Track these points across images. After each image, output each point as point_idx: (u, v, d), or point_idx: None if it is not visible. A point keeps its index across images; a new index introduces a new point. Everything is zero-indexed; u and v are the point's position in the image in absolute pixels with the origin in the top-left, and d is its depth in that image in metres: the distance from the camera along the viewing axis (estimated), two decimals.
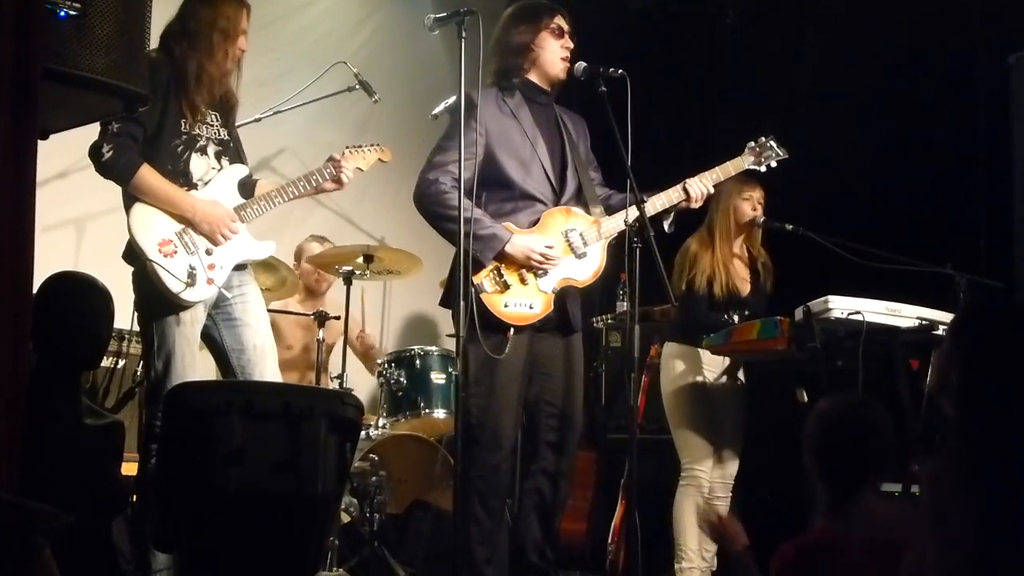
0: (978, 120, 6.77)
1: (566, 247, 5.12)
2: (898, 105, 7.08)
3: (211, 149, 5.07)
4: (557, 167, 5.23)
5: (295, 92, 6.92)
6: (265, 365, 5.05)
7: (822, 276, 5.83)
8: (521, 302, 5.01)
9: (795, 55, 7.86)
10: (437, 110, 5.98)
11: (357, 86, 6.84)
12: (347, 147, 5.42)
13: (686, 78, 8.44)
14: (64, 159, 6.27)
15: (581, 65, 5.11)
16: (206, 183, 5.03)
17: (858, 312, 5.22)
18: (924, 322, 5.32)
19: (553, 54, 5.20)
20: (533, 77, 5.27)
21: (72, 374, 4.27)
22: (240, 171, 5.16)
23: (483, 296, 4.90)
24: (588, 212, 5.24)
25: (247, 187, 5.22)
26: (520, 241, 5.00)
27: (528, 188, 5.13)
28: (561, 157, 5.26)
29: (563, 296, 5.14)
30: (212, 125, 5.08)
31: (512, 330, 4.96)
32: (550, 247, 5.04)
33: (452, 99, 5.49)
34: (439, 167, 5.04)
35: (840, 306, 5.24)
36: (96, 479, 4.15)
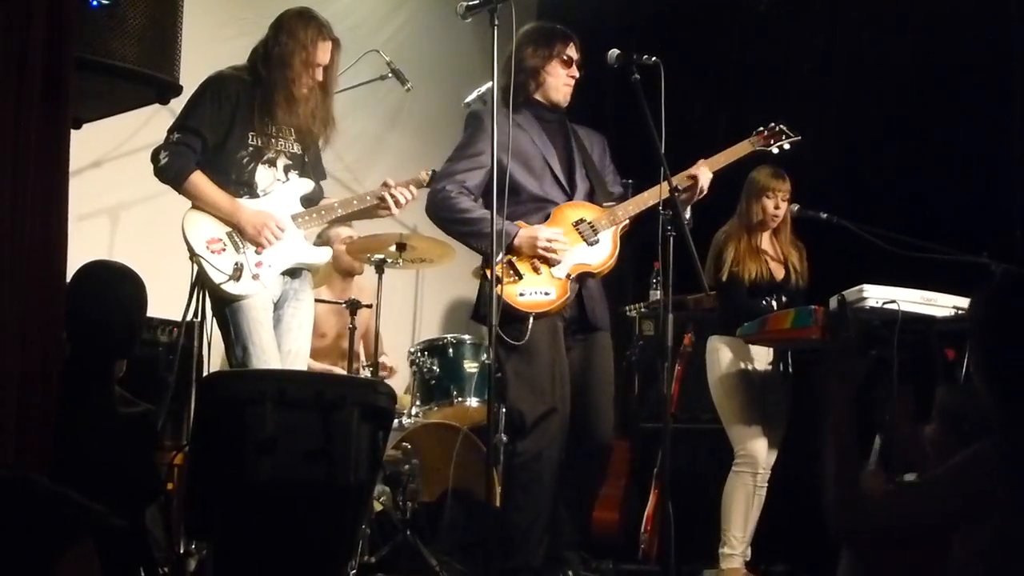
0: (1014, 107, 6.71)
1: (576, 236, 5.25)
2: (934, 91, 7.03)
3: (281, 162, 5.32)
4: (567, 172, 5.38)
5: None
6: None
7: (857, 265, 5.80)
8: (536, 290, 5.12)
9: (829, 41, 7.81)
10: (470, 98, 6.01)
11: (390, 74, 6.86)
12: (423, 170, 5.57)
13: (718, 64, 8.40)
14: (98, 148, 6.29)
15: (614, 52, 5.20)
16: (267, 194, 5.27)
17: (893, 301, 5.19)
18: (960, 311, 5.28)
19: (557, 81, 5.41)
20: (539, 97, 5.43)
21: (105, 362, 4.27)
22: (305, 185, 5.39)
23: (498, 288, 4.89)
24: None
25: (313, 202, 5.43)
26: (526, 233, 5.15)
27: (539, 192, 5.30)
28: (570, 163, 5.41)
29: (583, 293, 5.26)
30: (287, 139, 5.31)
31: (532, 317, 5.05)
32: (557, 234, 5.15)
33: (485, 87, 5.59)
34: (446, 177, 5.24)
35: (875, 295, 5.21)
36: (129, 466, 4.16)
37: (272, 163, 5.28)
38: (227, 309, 5.12)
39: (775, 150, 5.70)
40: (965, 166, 6.80)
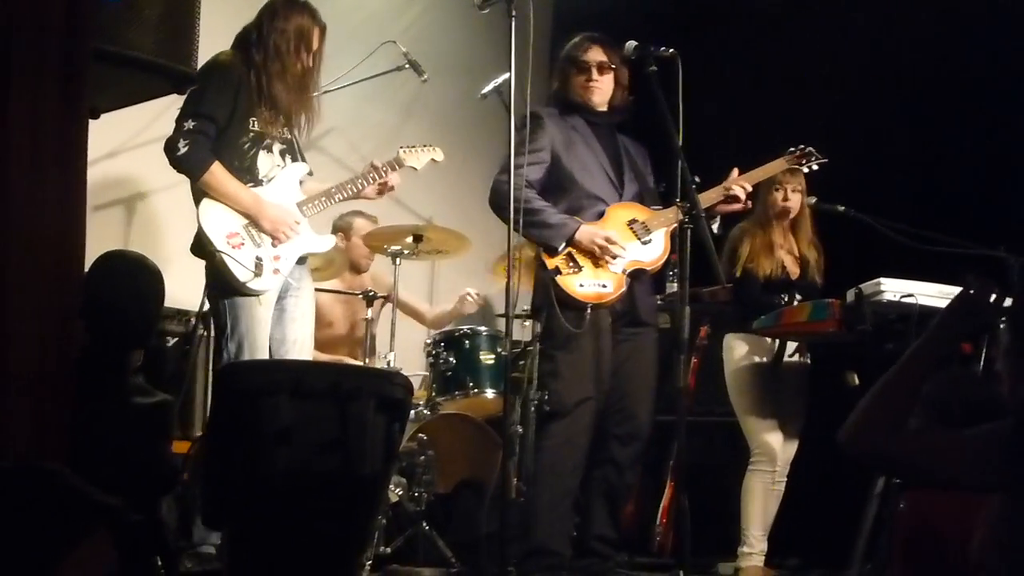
0: None
1: (631, 235, 5.42)
2: (952, 84, 7.00)
3: (276, 147, 5.32)
4: (616, 170, 5.55)
5: (344, 71, 6.91)
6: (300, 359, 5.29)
7: (874, 258, 5.79)
8: (595, 282, 5.32)
9: (844, 33, 7.77)
10: (486, 89, 6.01)
11: (406, 65, 6.85)
12: (401, 147, 5.68)
13: (734, 56, 8.36)
14: (114, 139, 6.30)
15: (631, 44, 5.36)
16: (270, 180, 5.26)
17: (910, 295, 5.19)
18: None
19: (577, 87, 5.59)
20: (577, 103, 5.59)
21: (122, 353, 4.28)
22: (302, 169, 5.42)
23: (559, 279, 5.27)
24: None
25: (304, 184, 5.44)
26: (588, 229, 5.32)
27: (592, 189, 5.47)
28: (619, 165, 5.58)
29: (634, 289, 5.43)
30: (279, 124, 5.31)
31: (590, 307, 5.25)
32: (615, 240, 5.32)
33: (501, 78, 5.61)
34: (508, 170, 5.24)
35: (892, 288, 5.22)
36: (145, 457, 4.17)
37: (269, 149, 5.28)
38: (227, 301, 5.09)
39: (805, 169, 5.94)
40: (982, 159, 6.77)
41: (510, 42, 4.85)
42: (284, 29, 5.20)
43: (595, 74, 5.52)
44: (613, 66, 5.53)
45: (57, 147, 3.10)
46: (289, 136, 5.37)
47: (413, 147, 5.71)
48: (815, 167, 5.91)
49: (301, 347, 5.31)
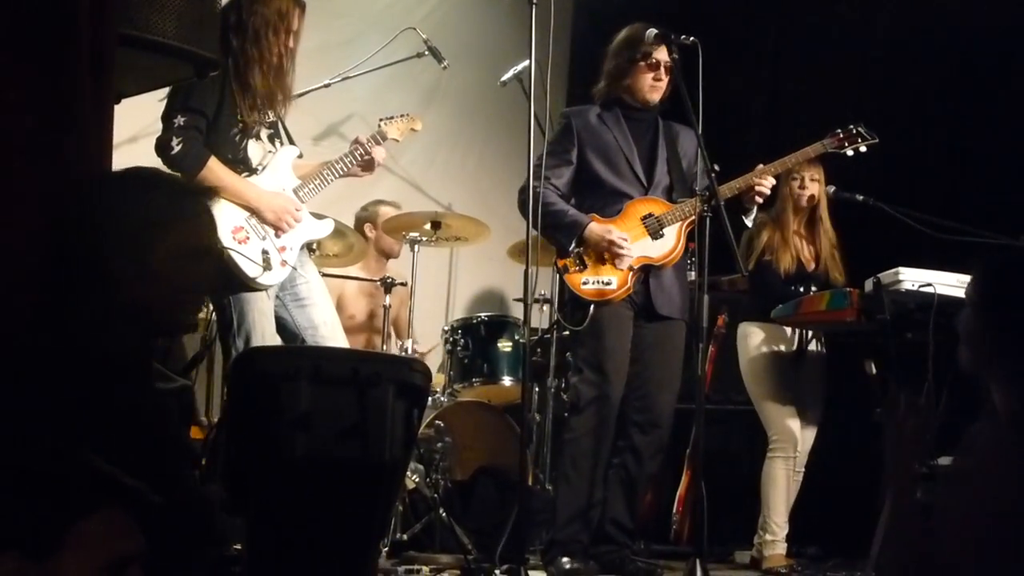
0: None
1: (642, 231, 5.45)
2: (974, 73, 6.98)
3: (263, 133, 5.22)
4: (645, 165, 5.57)
5: (364, 58, 6.93)
6: (337, 340, 5.28)
7: (893, 247, 5.78)
8: (599, 280, 5.39)
9: (867, 21, 7.75)
10: (506, 76, 6.04)
11: (426, 52, 6.85)
12: (381, 120, 5.64)
13: (755, 47, 8.35)
14: (135, 124, 6.29)
15: (652, 32, 5.35)
16: (264, 167, 5.18)
17: (929, 284, 5.20)
18: None
19: (643, 83, 5.55)
20: (628, 99, 5.59)
21: (144, 338, 4.28)
22: (292, 152, 5.33)
23: (566, 277, 5.39)
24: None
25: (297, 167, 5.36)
26: (596, 228, 5.39)
27: (616, 184, 5.53)
28: (652, 159, 5.59)
29: (651, 283, 5.48)
30: (261, 109, 5.17)
31: (592, 306, 5.34)
32: (623, 239, 5.36)
33: (521, 66, 5.64)
34: (533, 175, 5.28)
35: (911, 278, 5.22)
36: (165, 442, 4.17)
37: (257, 136, 5.18)
38: (232, 296, 5.02)
39: (850, 152, 5.79)
40: (1003, 148, 6.75)
41: (531, 29, 4.85)
42: (264, 11, 5.04)
43: (663, 73, 5.52)
44: (670, 66, 5.52)
45: (88, 131, 3.11)
46: (273, 118, 5.24)
47: (392, 118, 5.68)
48: (863, 149, 5.77)
49: (334, 328, 5.28)
